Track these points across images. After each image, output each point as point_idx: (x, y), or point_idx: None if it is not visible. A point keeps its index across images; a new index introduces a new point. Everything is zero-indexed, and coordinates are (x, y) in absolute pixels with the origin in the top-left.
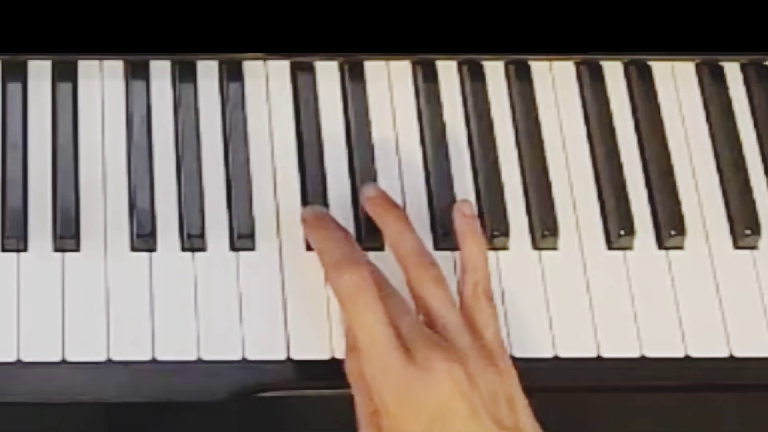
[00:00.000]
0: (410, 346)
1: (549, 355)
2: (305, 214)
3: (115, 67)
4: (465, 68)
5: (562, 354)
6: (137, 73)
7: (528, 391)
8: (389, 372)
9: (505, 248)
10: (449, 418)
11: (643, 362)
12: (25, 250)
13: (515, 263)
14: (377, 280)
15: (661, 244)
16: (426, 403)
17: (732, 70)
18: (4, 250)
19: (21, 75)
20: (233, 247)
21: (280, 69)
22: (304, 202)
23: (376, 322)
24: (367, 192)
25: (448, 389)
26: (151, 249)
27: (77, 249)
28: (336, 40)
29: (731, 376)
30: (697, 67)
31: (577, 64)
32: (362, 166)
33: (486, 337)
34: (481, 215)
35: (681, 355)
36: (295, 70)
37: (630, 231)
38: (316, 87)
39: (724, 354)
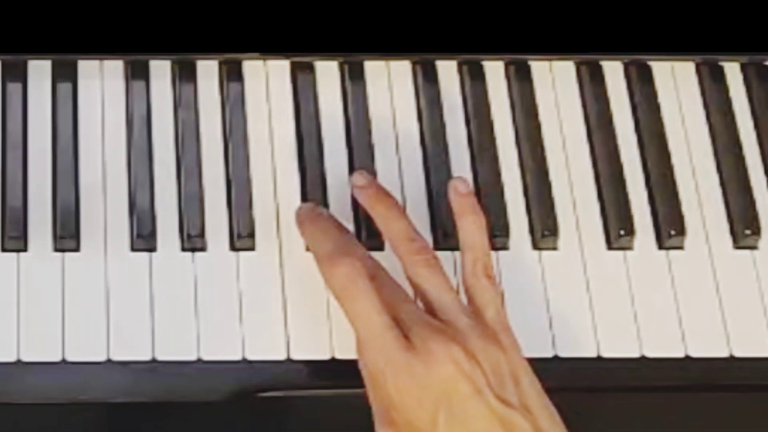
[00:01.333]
0: (408, 332)
1: (549, 355)
2: (298, 213)
3: (115, 67)
4: (465, 68)
5: (563, 354)
6: (137, 73)
7: None
8: (389, 360)
9: (505, 248)
10: (453, 400)
11: (643, 362)
12: (25, 250)
13: (515, 263)
14: (372, 269)
15: (661, 244)
16: (429, 387)
17: (732, 70)
18: (4, 250)
19: (21, 75)
20: (233, 247)
21: (280, 69)
22: (304, 202)
23: (371, 312)
24: (357, 181)
25: (448, 371)
26: (151, 249)
27: (77, 249)
28: (336, 40)
29: (731, 376)
30: (697, 67)
31: (577, 64)
32: (362, 166)
33: (487, 315)
34: None
35: (681, 355)
36: (295, 70)
37: (630, 231)
38: (316, 87)
39: (724, 354)
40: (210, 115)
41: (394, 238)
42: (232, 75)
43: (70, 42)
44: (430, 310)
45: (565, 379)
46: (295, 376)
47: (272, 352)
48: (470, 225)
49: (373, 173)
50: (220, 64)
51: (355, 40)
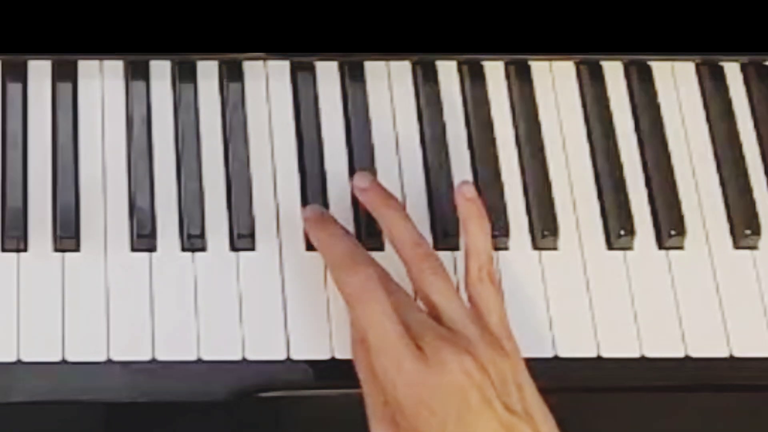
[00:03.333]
0: (419, 341)
1: (549, 355)
2: (307, 213)
3: (115, 67)
4: (465, 68)
5: (562, 354)
6: (137, 73)
7: None
8: (401, 368)
9: (505, 248)
10: (463, 410)
11: (643, 362)
12: (25, 250)
13: (515, 263)
14: (381, 277)
15: (661, 244)
16: (440, 397)
17: (732, 70)
18: (4, 250)
19: (21, 75)
20: (233, 247)
21: (280, 69)
22: (304, 202)
23: (385, 320)
24: (359, 182)
25: (460, 381)
26: (151, 249)
27: (77, 249)
28: (336, 40)
29: (731, 376)
30: (697, 67)
31: (577, 64)
32: (362, 166)
33: (491, 321)
34: None
35: (681, 355)
36: (295, 70)
37: (630, 231)
38: (316, 87)
39: (724, 354)
40: (210, 115)
41: (399, 243)
42: (232, 75)
43: (70, 42)
44: (436, 316)
45: (565, 379)
46: (295, 376)
47: (272, 352)
48: (476, 229)
49: (373, 173)
50: (220, 64)
51: (355, 40)
